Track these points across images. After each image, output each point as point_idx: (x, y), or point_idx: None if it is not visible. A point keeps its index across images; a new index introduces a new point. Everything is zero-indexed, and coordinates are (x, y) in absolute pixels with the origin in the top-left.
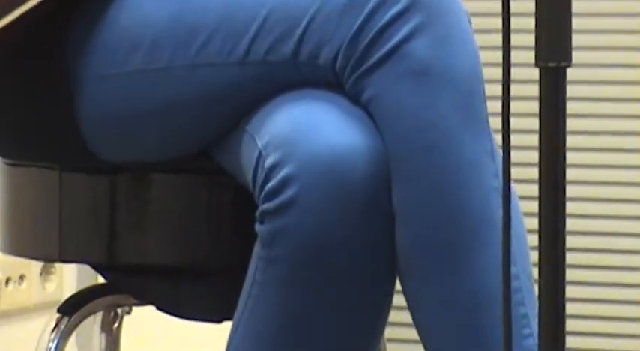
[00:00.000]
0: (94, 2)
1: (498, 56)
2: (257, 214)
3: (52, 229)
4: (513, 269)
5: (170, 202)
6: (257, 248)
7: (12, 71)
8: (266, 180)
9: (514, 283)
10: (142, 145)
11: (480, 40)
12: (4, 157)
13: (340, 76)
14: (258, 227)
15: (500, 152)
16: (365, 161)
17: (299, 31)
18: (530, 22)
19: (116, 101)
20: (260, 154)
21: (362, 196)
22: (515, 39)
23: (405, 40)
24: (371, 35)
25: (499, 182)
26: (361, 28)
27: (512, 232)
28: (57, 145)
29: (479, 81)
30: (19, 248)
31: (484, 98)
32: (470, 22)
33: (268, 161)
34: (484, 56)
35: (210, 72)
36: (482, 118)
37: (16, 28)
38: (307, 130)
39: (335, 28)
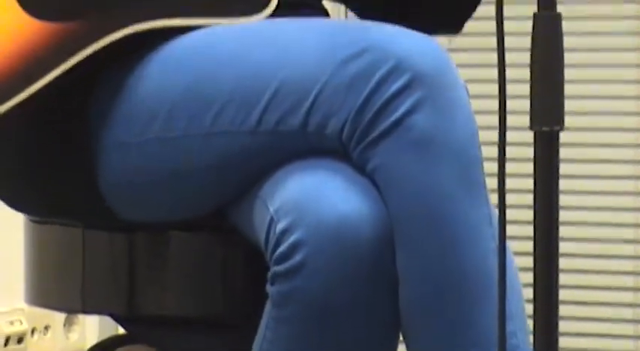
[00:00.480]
0: (116, 73)
1: (495, 120)
2: (269, 275)
3: (75, 282)
4: (510, 326)
5: (186, 258)
6: (268, 307)
7: (38, 133)
8: (277, 244)
9: (512, 341)
10: (159, 207)
11: (477, 105)
12: (29, 214)
13: (346, 146)
14: (269, 288)
15: (497, 212)
16: (369, 227)
17: (308, 103)
18: (525, 89)
19: (134, 167)
20: (272, 219)
21: (367, 259)
22: (511, 104)
23: (408, 113)
24: (376, 108)
25: (496, 244)
26: (367, 102)
27: (508, 288)
28: (79, 205)
29: (476, 149)
30: (44, 300)
31: (482, 165)
32: (468, 93)
33: (279, 226)
34: (482, 120)
35: (224, 140)
36: (480, 184)
37: (42, 94)
38: (316, 198)
39: (342, 101)
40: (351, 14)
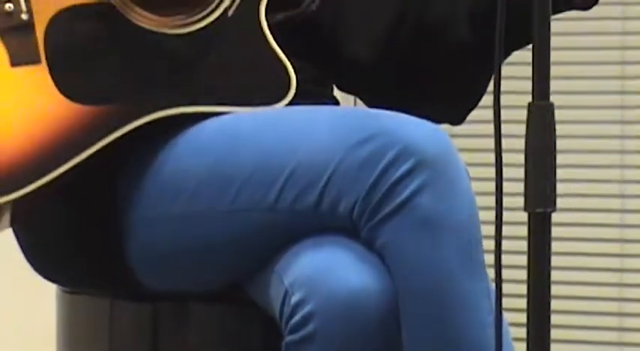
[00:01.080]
0: (145, 152)
1: (492, 201)
2: (283, 344)
3: (103, 350)
4: None
5: (206, 328)
6: None
7: (69, 208)
8: (291, 315)
9: None
10: (182, 279)
11: (477, 187)
12: (60, 285)
13: (356, 224)
14: None
15: (494, 287)
16: (377, 301)
17: (321, 184)
18: (520, 172)
19: (160, 240)
20: (287, 291)
21: (375, 331)
22: (506, 186)
23: (413, 194)
24: (384, 190)
25: (493, 318)
26: (375, 184)
27: None
28: (108, 276)
29: (476, 229)
30: None
31: (481, 243)
32: (468, 176)
33: (294, 299)
34: (481, 201)
35: (243, 217)
36: (479, 261)
37: (73, 172)
38: (327, 272)
39: (353, 183)
40: (359, 102)
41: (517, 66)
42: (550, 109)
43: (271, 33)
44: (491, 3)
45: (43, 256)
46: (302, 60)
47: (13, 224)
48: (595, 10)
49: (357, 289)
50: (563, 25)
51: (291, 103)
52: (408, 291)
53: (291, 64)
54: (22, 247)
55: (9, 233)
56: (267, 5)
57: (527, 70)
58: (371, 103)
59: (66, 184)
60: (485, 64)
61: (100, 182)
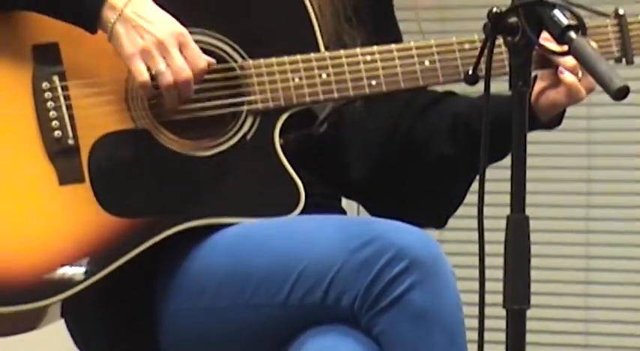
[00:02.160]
0: (176, 253)
1: (475, 298)
2: None
3: None
4: None
5: None
6: None
7: (111, 301)
8: None
9: None
10: None
11: (462, 285)
12: None
13: (357, 315)
14: None
15: None
16: None
17: (326, 283)
18: (500, 274)
19: (188, 330)
20: None
21: None
22: (488, 285)
23: (406, 291)
24: (380, 287)
25: None
26: (373, 282)
27: None
28: None
29: (460, 322)
30: None
31: (464, 334)
32: (455, 276)
33: None
34: (465, 298)
35: (259, 311)
36: (463, 349)
37: (114, 273)
38: None
39: (354, 281)
40: (362, 209)
41: (496, 182)
42: (525, 221)
43: (283, 151)
44: (469, 118)
45: (88, 341)
46: (311, 175)
47: (63, 316)
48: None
49: None
50: None
51: (302, 213)
52: None
53: (301, 179)
54: (71, 333)
55: None
56: (280, 127)
57: (506, 186)
58: (371, 211)
59: (110, 282)
60: (463, 175)
61: (138, 279)
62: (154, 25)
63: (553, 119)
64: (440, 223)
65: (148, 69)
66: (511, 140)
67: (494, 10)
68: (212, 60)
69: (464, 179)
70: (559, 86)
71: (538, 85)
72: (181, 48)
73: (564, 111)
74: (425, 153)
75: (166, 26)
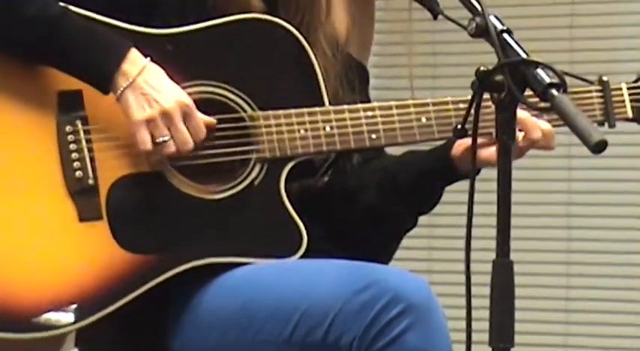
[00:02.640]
0: (184, 291)
1: (464, 337)
2: None
3: None
4: None
5: None
6: None
7: (124, 332)
8: None
9: None
10: None
11: (451, 325)
12: None
13: None
14: None
15: None
16: None
17: (327, 323)
18: (486, 314)
19: None
20: None
21: None
22: (475, 325)
23: (402, 333)
24: (378, 328)
25: None
26: (371, 324)
27: None
28: None
29: None
30: None
31: None
32: (445, 318)
33: None
34: (454, 336)
35: (265, 348)
36: None
37: (126, 307)
38: None
39: (353, 323)
40: None
41: (482, 228)
42: (510, 265)
43: (288, 198)
44: (395, 172)
45: None
46: (314, 221)
47: (77, 345)
48: None
49: None
50: None
51: (304, 256)
52: None
53: (304, 224)
54: None
55: None
56: (286, 176)
57: (491, 231)
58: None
59: (121, 316)
60: (390, 225)
61: (150, 313)
62: (162, 95)
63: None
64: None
65: (153, 136)
66: (435, 191)
67: (482, 68)
68: (214, 120)
69: (391, 229)
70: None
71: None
72: (185, 118)
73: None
74: (355, 204)
75: (173, 96)
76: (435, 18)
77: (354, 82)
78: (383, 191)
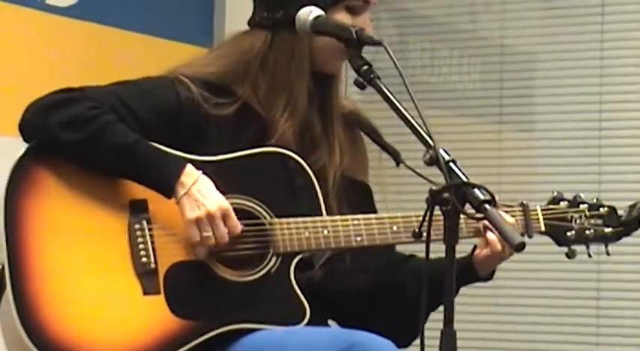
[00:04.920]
0: (218, 349)
1: None
2: None
3: None
4: None
5: None
6: None
7: None
8: None
9: None
10: None
11: None
12: None
13: None
14: None
15: None
16: None
17: None
18: None
19: None
20: None
21: None
22: None
23: None
24: None
25: None
26: None
27: None
28: None
29: None
30: None
31: None
32: None
33: None
34: None
35: None
36: None
37: None
38: None
39: None
40: None
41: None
42: (454, 334)
43: (297, 283)
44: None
45: None
46: (316, 302)
47: None
48: None
49: None
50: None
51: (306, 324)
52: None
53: (308, 302)
54: None
55: None
56: (295, 265)
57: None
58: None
59: None
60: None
61: None
62: (208, 201)
63: (488, 275)
64: (405, 342)
65: (200, 231)
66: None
67: (434, 188)
68: (242, 227)
69: (424, 313)
70: (487, 247)
71: (476, 251)
72: (224, 218)
73: (494, 271)
74: (400, 294)
75: (216, 202)
76: (398, 165)
77: (353, 198)
78: (419, 286)
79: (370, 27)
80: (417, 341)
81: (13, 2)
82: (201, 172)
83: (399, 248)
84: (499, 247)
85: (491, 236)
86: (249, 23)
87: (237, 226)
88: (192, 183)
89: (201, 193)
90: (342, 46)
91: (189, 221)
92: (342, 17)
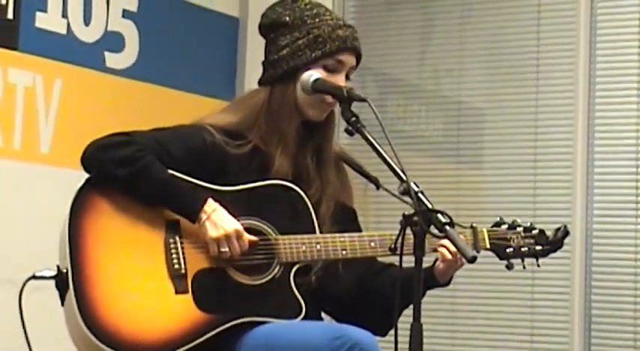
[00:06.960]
0: (231, 338)
1: None
2: None
3: None
4: None
5: None
6: None
7: None
8: None
9: None
10: None
11: None
12: None
13: None
14: None
15: None
16: None
17: None
18: None
19: None
20: None
21: None
22: None
23: None
24: None
25: None
26: None
27: None
28: None
29: None
30: None
31: None
32: None
33: None
34: None
35: None
36: None
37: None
38: None
39: None
40: None
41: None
42: (420, 327)
43: (296, 286)
44: (403, 280)
45: None
46: (311, 301)
47: None
48: None
49: None
50: None
51: (302, 319)
52: None
53: (305, 301)
54: None
55: None
56: (294, 272)
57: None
58: (337, 319)
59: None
60: (397, 307)
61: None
62: (225, 224)
63: (447, 281)
64: (382, 333)
65: (218, 247)
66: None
67: (406, 213)
68: (256, 239)
69: (398, 309)
70: (444, 260)
71: (436, 263)
72: (238, 238)
73: (451, 278)
74: (378, 295)
75: (231, 225)
76: (378, 189)
77: (342, 219)
78: (394, 289)
79: (344, 83)
80: (392, 332)
81: (79, 65)
82: (218, 203)
83: (381, 259)
84: (449, 256)
85: (442, 250)
86: (259, 82)
87: (247, 243)
88: (212, 211)
89: (219, 218)
90: (323, 100)
91: (210, 239)
92: (320, 74)
